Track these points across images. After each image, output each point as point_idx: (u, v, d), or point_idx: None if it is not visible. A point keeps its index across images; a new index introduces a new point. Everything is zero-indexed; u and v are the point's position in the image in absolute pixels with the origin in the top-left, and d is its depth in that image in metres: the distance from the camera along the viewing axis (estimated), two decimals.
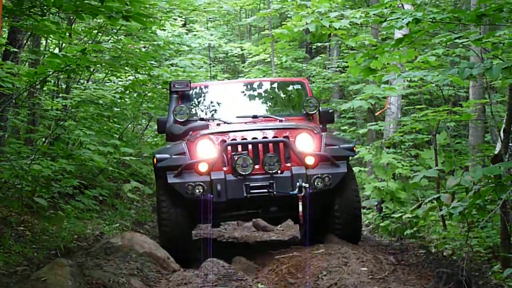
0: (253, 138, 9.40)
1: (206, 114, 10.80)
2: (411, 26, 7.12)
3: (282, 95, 11.53)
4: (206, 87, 11.34)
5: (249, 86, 11.41)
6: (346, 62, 11.39)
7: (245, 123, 10.23)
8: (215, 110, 10.93)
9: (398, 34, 12.84)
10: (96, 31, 13.35)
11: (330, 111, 10.69)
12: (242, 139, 9.39)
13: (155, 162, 9.39)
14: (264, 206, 9.76)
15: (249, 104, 11.01)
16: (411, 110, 14.58)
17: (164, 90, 14.57)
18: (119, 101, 13.90)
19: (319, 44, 24.12)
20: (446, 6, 16.45)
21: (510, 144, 8.46)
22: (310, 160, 9.31)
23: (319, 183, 9.13)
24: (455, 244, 9.65)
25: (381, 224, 12.26)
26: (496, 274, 7.75)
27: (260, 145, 9.35)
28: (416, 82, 11.63)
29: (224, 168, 9.22)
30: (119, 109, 14.43)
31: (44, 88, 13.04)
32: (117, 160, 13.32)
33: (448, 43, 8.13)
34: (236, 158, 9.06)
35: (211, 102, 11.10)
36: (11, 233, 8.53)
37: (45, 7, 8.02)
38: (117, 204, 12.92)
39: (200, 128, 9.82)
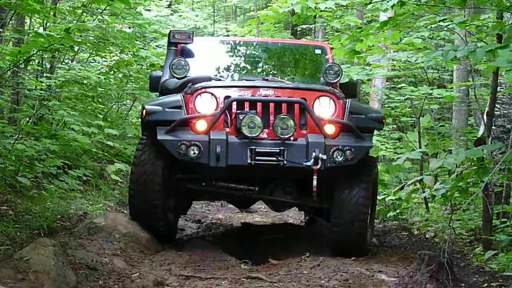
0: (264, 96, 7.97)
1: (209, 71, 9.26)
2: (396, 9, 7.12)
3: (299, 60, 10.09)
4: (211, 42, 10.27)
5: (262, 46, 10.16)
6: (331, 44, 11.37)
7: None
8: (221, 69, 9.65)
9: (383, 17, 12.85)
10: (80, 10, 13.27)
11: (354, 82, 9.21)
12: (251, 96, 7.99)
13: (144, 114, 8.12)
14: (263, 184, 8.39)
15: (261, 66, 9.89)
16: (396, 90, 14.61)
17: (149, 70, 14.52)
18: (103, 81, 13.85)
19: (304, 26, 24.14)
20: None
21: (493, 127, 8.50)
22: (330, 129, 7.79)
23: (338, 156, 7.60)
24: (438, 226, 9.70)
25: None
26: (478, 256, 7.80)
27: (271, 105, 7.87)
28: (403, 64, 11.61)
29: (227, 129, 7.83)
30: (103, 90, 14.36)
31: (28, 68, 12.95)
32: (102, 141, 13.29)
33: (432, 25, 8.14)
34: (241, 117, 7.68)
35: (216, 60, 9.75)
36: None
37: None
38: (101, 184, 12.87)
39: (201, 80, 8.33)
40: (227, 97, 7.89)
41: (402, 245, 8.85)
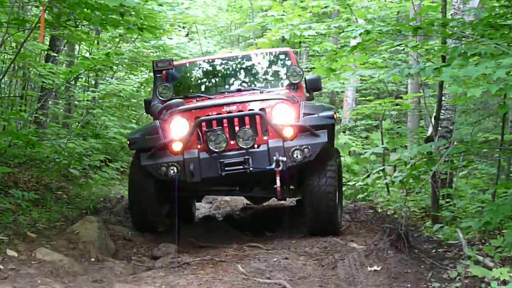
0: (228, 113, 7.16)
1: (190, 91, 8.59)
2: (363, 36, 7.09)
3: (266, 66, 8.99)
4: (190, 64, 9.14)
5: (233, 60, 9.11)
6: (313, 63, 11.34)
7: (224, 97, 7.94)
8: (200, 87, 8.79)
9: (353, 42, 12.82)
10: (117, 39, 13.26)
11: (316, 78, 8.40)
12: (217, 114, 7.17)
13: (128, 144, 7.50)
14: (242, 184, 7.73)
15: (234, 78, 8.87)
16: (363, 101, 14.60)
17: None
18: (136, 94, 13.85)
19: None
20: (390, 20, 16.49)
21: (439, 128, 8.49)
22: (288, 132, 7.02)
23: (298, 155, 6.91)
24: (396, 205, 9.68)
25: None
26: (428, 229, 7.79)
27: (236, 120, 7.11)
28: (367, 78, 11.56)
29: (199, 146, 7.09)
30: (136, 100, 14.35)
31: (77, 84, 12.98)
32: None
33: (391, 49, 8.12)
34: (209, 135, 6.96)
35: (196, 79, 8.96)
36: (52, 196, 8.50)
37: (78, 20, 7.98)
38: None
39: (174, 106, 7.57)
40: (196, 118, 7.13)
41: (369, 220, 8.83)
